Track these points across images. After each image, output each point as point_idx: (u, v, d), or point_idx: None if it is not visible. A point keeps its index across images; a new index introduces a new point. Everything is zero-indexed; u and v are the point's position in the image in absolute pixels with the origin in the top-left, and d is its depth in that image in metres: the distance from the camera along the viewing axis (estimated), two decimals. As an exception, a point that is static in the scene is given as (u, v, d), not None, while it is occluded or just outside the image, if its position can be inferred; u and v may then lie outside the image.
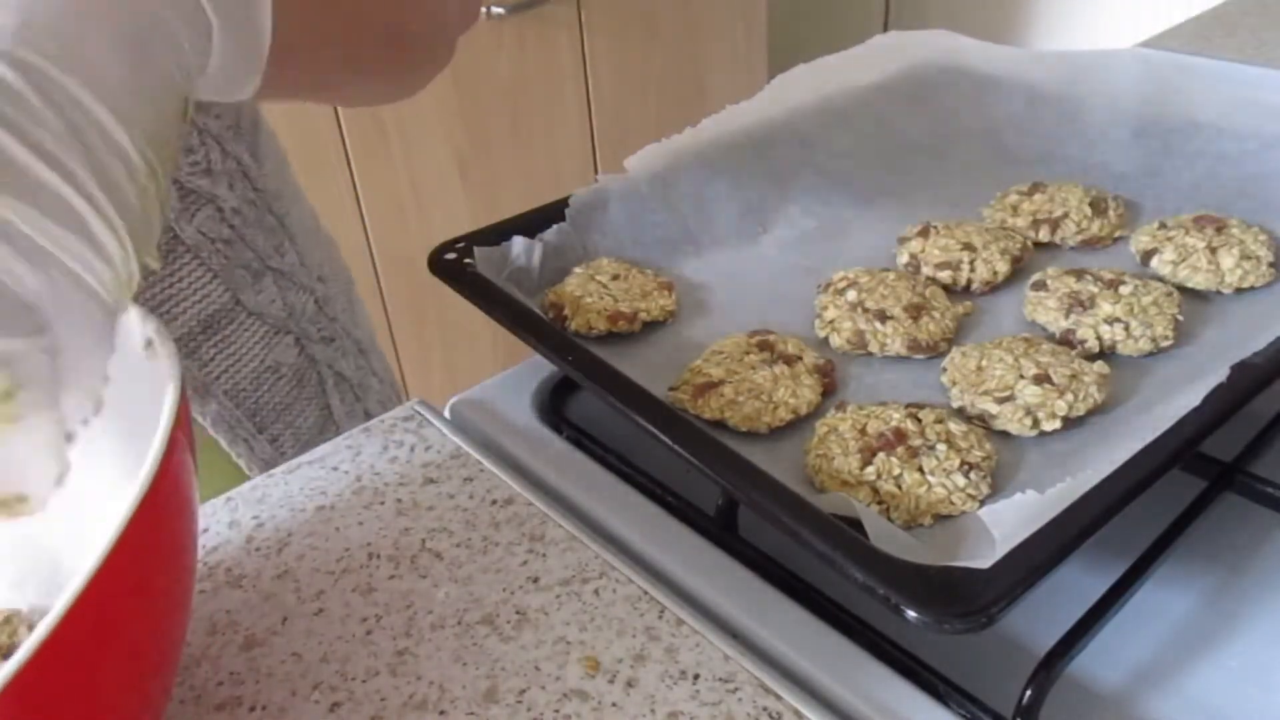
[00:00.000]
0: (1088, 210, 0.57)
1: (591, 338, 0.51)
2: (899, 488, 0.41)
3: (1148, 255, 0.55)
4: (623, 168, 0.59)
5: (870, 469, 0.41)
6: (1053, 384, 0.44)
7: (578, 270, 0.55)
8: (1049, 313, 0.50)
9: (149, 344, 0.34)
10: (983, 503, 0.40)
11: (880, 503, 0.40)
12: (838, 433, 0.43)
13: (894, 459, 0.41)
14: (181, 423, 0.31)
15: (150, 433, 0.30)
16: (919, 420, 0.43)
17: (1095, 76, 0.67)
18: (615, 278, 0.54)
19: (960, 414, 0.45)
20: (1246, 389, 0.41)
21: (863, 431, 0.43)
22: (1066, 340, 0.49)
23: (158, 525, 0.30)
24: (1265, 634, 0.41)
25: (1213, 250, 0.52)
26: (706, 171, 0.61)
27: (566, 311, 0.52)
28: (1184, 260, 0.53)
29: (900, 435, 0.42)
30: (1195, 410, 0.39)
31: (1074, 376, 0.45)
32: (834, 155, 0.66)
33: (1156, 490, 0.38)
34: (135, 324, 0.35)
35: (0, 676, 0.23)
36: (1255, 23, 1.00)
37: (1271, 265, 0.52)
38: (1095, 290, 0.50)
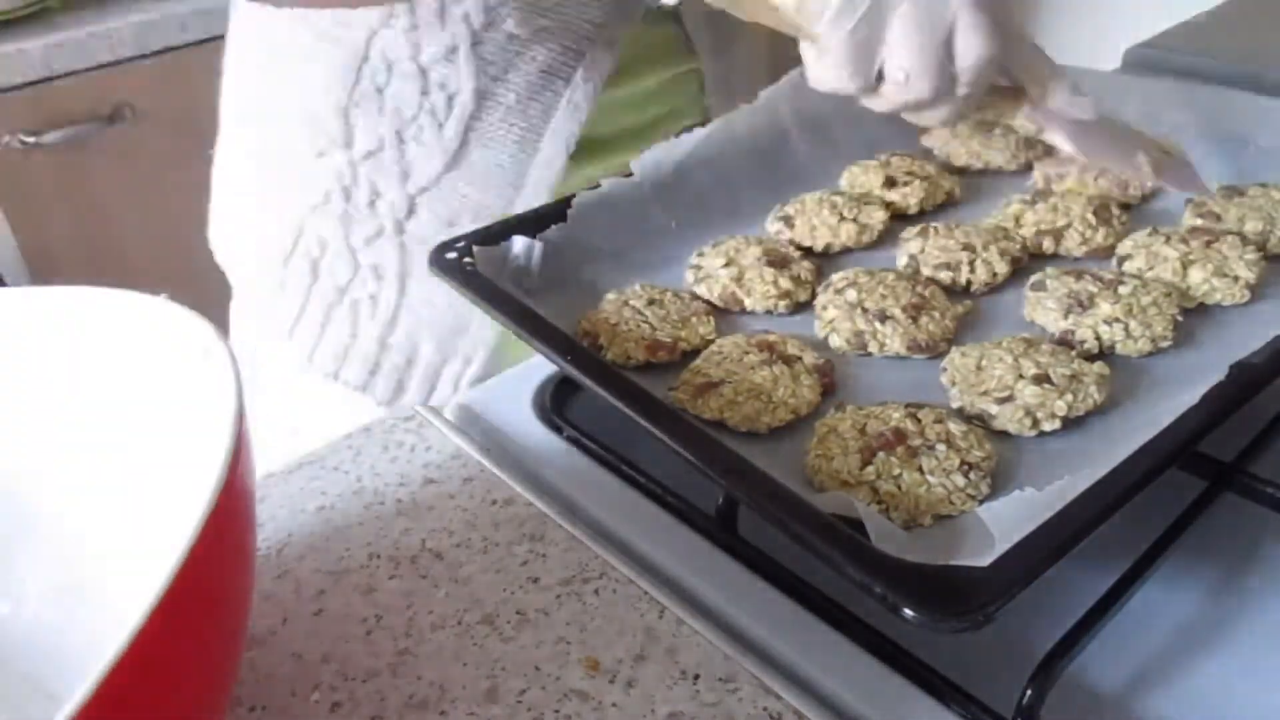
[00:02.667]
0: (1091, 219, 0.57)
1: (630, 368, 0.49)
2: (898, 488, 0.41)
3: (1122, 260, 0.55)
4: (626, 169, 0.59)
5: (870, 469, 0.41)
6: (1052, 384, 0.44)
7: (610, 295, 0.53)
8: (1048, 313, 0.50)
9: (205, 350, 0.34)
10: (982, 503, 0.40)
11: (880, 503, 0.40)
12: (837, 433, 0.43)
13: (893, 459, 0.41)
14: (242, 428, 0.31)
15: (207, 439, 0.30)
16: (918, 420, 0.43)
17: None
18: (651, 303, 0.52)
19: (960, 414, 0.45)
20: (1245, 389, 0.42)
21: (862, 431, 0.43)
22: (1066, 340, 0.49)
23: (230, 527, 0.30)
24: (1265, 634, 0.41)
25: (1186, 263, 0.52)
26: (711, 174, 0.61)
27: (602, 340, 0.50)
28: (1152, 268, 0.53)
29: (900, 435, 0.42)
30: (1193, 409, 0.40)
31: (1074, 377, 0.45)
32: (842, 158, 0.66)
33: (1156, 490, 0.38)
34: (192, 330, 0.35)
35: (85, 688, 0.23)
36: (1255, 23, 1.00)
37: (1249, 287, 0.51)
38: (1094, 290, 0.50)
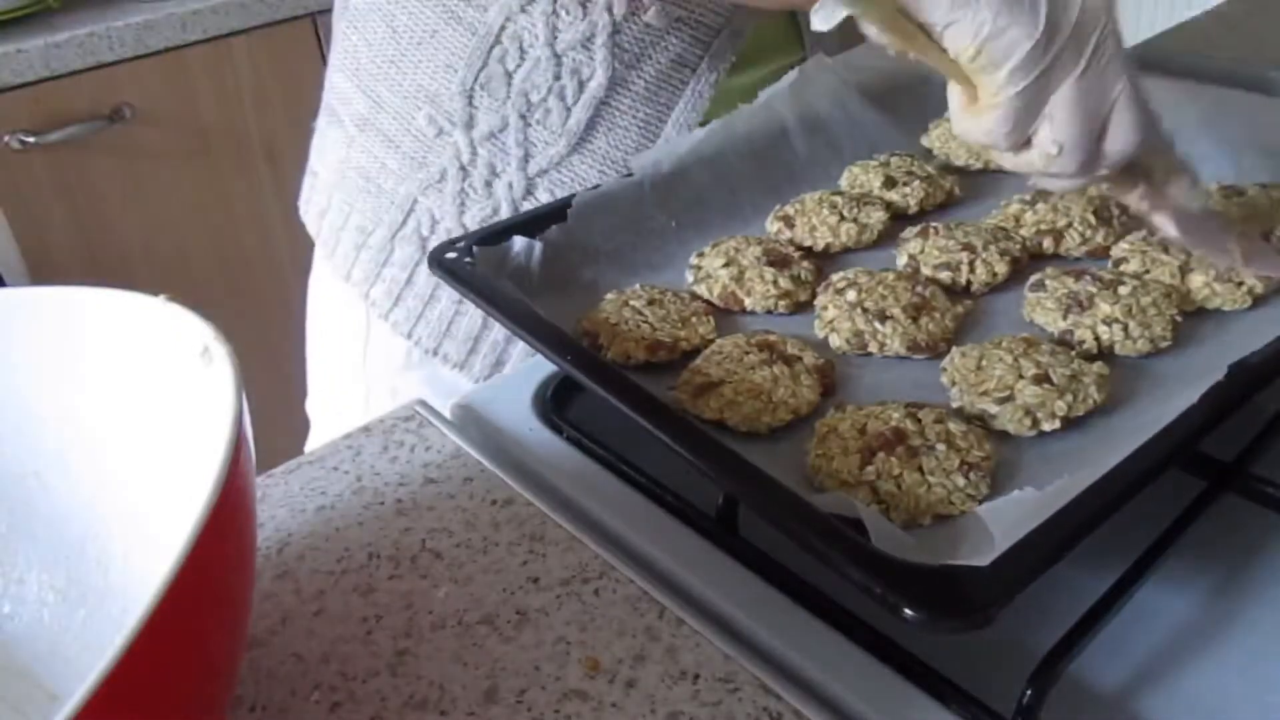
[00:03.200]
0: (1091, 219, 0.57)
1: (630, 367, 0.49)
2: (898, 488, 0.41)
3: (1118, 263, 0.54)
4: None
5: (870, 469, 0.41)
6: (1052, 384, 0.44)
7: (610, 295, 0.54)
8: (1047, 313, 0.50)
9: (205, 351, 0.34)
10: (982, 503, 0.40)
11: (880, 502, 0.40)
12: (837, 433, 0.43)
13: (893, 459, 0.41)
14: (242, 427, 0.31)
15: (207, 439, 0.30)
16: (918, 420, 0.43)
17: None
18: (651, 303, 0.52)
19: (960, 414, 0.45)
20: (1244, 388, 0.42)
21: (862, 431, 0.43)
22: (1065, 341, 0.49)
23: (230, 527, 0.30)
24: (1265, 634, 0.41)
25: (1185, 270, 0.52)
26: (711, 174, 0.61)
27: (602, 340, 0.50)
28: (1148, 270, 0.53)
29: (900, 435, 0.42)
30: (1193, 409, 0.40)
31: (1074, 377, 0.45)
32: (842, 158, 0.66)
33: (1157, 490, 0.38)
34: (192, 330, 0.35)
35: (85, 688, 0.23)
36: (1255, 23, 1.00)
37: (1250, 292, 0.51)
38: (1094, 290, 0.50)
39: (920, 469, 0.41)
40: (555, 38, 0.61)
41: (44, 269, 1.30)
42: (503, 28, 0.62)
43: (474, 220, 0.67)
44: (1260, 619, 0.42)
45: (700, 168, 0.61)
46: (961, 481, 0.41)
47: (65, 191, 1.29)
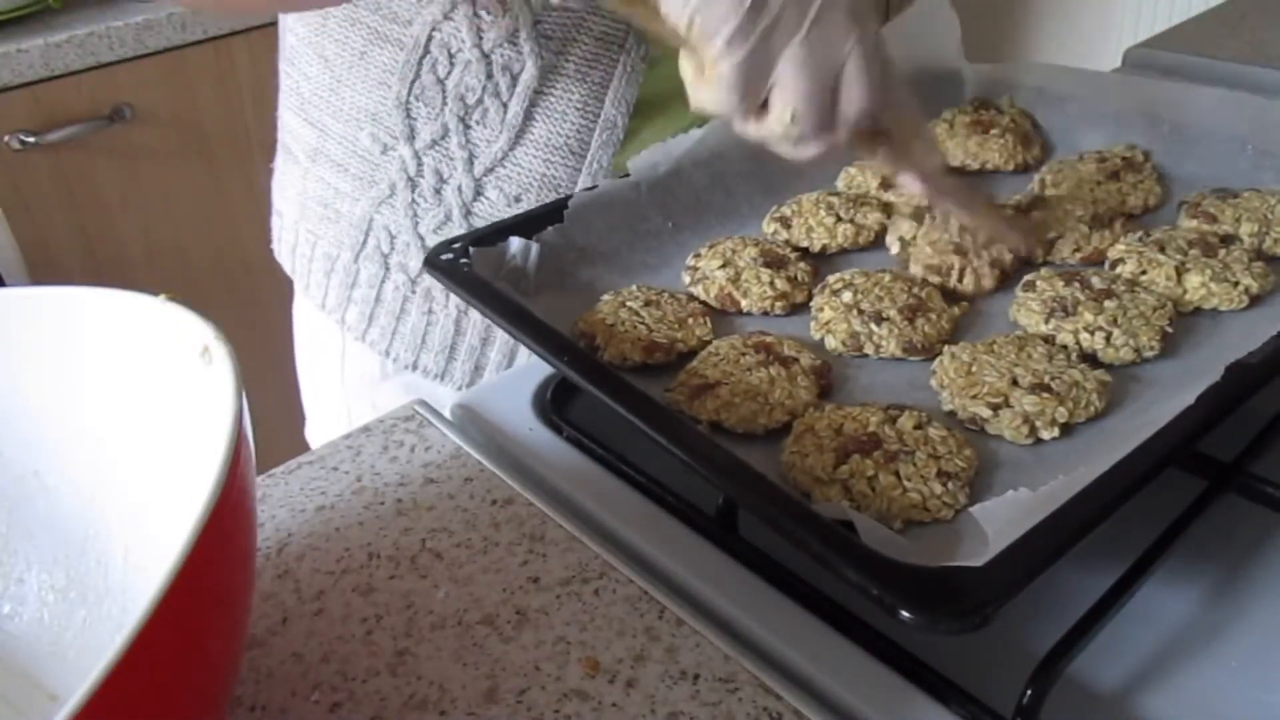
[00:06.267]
0: (1084, 229, 0.57)
1: (626, 368, 0.49)
2: (872, 489, 0.40)
3: (1115, 264, 0.54)
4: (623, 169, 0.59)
5: (844, 468, 0.41)
6: (1051, 392, 0.44)
7: (606, 296, 0.54)
8: (1031, 315, 0.50)
9: (205, 351, 0.34)
10: (959, 511, 0.40)
11: (851, 501, 0.40)
12: (814, 431, 0.43)
13: (869, 461, 0.41)
14: (242, 427, 0.31)
15: (207, 439, 0.30)
16: (895, 425, 0.43)
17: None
18: (647, 304, 0.52)
19: (952, 417, 0.45)
20: (1241, 389, 0.41)
21: (838, 432, 0.43)
22: (1053, 341, 0.49)
23: (230, 526, 0.30)
24: (1265, 634, 0.41)
25: (1181, 270, 0.52)
26: (708, 175, 0.61)
27: (599, 341, 0.50)
28: (1145, 272, 0.53)
29: (875, 441, 0.42)
30: (1190, 410, 0.40)
31: (1075, 384, 0.44)
32: (838, 160, 0.66)
33: (1156, 490, 0.38)
34: (192, 330, 0.35)
35: (85, 688, 0.23)
36: (1255, 23, 1.00)
37: (1247, 293, 0.51)
38: (1081, 298, 0.50)
39: (897, 473, 0.41)
40: (481, 39, 0.62)
41: (44, 269, 1.30)
42: (429, 38, 0.62)
43: (428, 229, 0.67)
44: (1260, 619, 0.42)
45: (697, 169, 0.61)
46: (939, 489, 0.40)
47: (65, 191, 1.29)
